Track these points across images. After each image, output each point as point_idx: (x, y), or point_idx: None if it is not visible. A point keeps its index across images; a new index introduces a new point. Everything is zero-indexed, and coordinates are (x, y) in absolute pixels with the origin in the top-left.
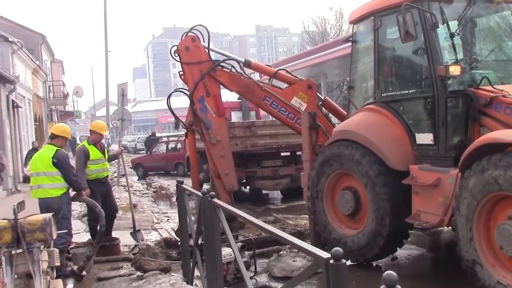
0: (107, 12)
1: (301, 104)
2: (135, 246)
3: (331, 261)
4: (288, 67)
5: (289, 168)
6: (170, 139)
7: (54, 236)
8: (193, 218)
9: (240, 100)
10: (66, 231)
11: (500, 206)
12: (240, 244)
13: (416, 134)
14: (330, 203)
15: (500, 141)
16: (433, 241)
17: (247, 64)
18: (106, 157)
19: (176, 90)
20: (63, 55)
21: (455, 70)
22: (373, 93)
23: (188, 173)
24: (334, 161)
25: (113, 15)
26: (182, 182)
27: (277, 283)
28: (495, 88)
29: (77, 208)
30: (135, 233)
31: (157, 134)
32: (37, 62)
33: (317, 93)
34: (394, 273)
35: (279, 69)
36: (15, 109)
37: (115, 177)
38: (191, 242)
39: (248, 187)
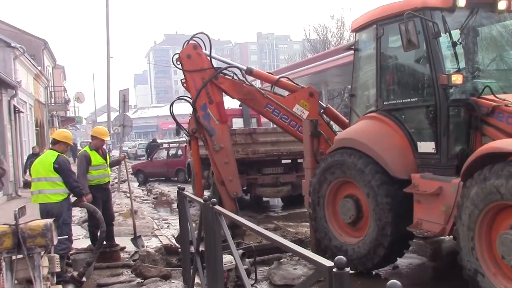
0: (109, 18)
1: (302, 112)
2: (135, 252)
3: (334, 270)
4: (289, 75)
5: (290, 176)
6: (171, 145)
7: (55, 242)
8: (193, 225)
9: (241, 107)
10: (67, 237)
11: (502, 216)
12: (240, 251)
13: (418, 143)
14: (331, 210)
15: (502, 151)
16: (434, 250)
17: (249, 72)
18: (108, 162)
19: (178, 98)
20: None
21: (457, 79)
22: (375, 101)
23: (189, 179)
24: (337, 168)
25: (115, 22)
26: (183, 189)
27: None
28: (497, 97)
29: (78, 214)
30: (135, 239)
31: (158, 141)
32: (39, 68)
33: (319, 101)
34: (398, 282)
35: (281, 77)
36: (17, 114)
37: (116, 183)
38: (192, 249)
39: (248, 194)
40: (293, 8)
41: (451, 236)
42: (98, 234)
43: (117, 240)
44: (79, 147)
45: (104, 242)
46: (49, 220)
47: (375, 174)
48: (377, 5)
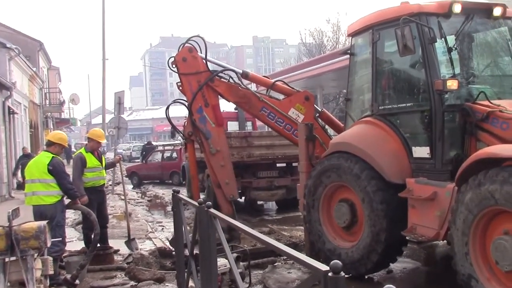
0: (105, 20)
1: (298, 116)
2: (129, 255)
3: (329, 274)
4: (285, 79)
5: (285, 179)
6: (166, 148)
7: (49, 244)
8: (188, 227)
9: (236, 110)
10: (60, 239)
11: (496, 221)
12: (235, 254)
13: (413, 148)
14: (326, 213)
15: (497, 156)
16: (428, 255)
17: (245, 75)
18: (103, 165)
19: (174, 101)
20: (60, 62)
21: (452, 84)
22: (370, 105)
23: (184, 182)
24: (333, 172)
25: (111, 24)
26: (178, 192)
27: None
28: (491, 103)
29: (71, 216)
30: (129, 242)
31: (153, 143)
32: (34, 69)
33: (314, 105)
34: (393, 287)
35: (277, 80)
36: (11, 115)
37: (110, 185)
38: (186, 252)
39: (243, 198)
40: (289, 12)
41: (445, 241)
42: (92, 236)
43: (111, 242)
44: (73, 149)
45: (98, 245)
46: (43, 222)
47: (371, 180)
48: (373, 10)
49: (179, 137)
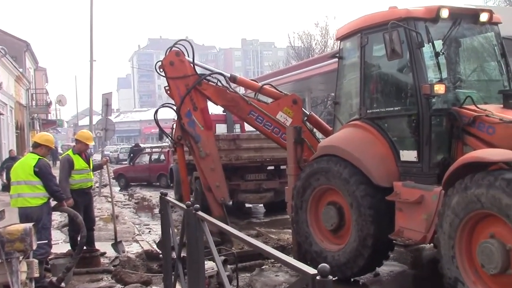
0: (93, 21)
1: (286, 119)
2: (116, 258)
3: (317, 277)
4: (273, 82)
5: (273, 182)
6: (153, 150)
7: (34, 247)
8: (175, 230)
9: (225, 113)
10: (46, 241)
11: (482, 225)
12: (222, 257)
13: (401, 151)
14: (314, 215)
15: (483, 160)
16: (415, 258)
17: (233, 79)
18: (91, 167)
19: (163, 106)
20: (47, 63)
21: (439, 88)
22: (358, 109)
23: (171, 184)
24: (322, 175)
25: (99, 25)
26: (166, 194)
27: None
28: (478, 108)
29: (57, 218)
30: (116, 244)
31: (141, 145)
32: (21, 70)
33: (302, 108)
34: None
35: (264, 84)
36: None
37: (97, 187)
38: (173, 254)
39: (231, 200)
40: (278, 15)
41: (432, 244)
42: (78, 239)
43: (98, 245)
44: (60, 151)
45: (84, 247)
46: (29, 225)
47: (359, 185)
48: (362, 14)
49: (167, 139)
